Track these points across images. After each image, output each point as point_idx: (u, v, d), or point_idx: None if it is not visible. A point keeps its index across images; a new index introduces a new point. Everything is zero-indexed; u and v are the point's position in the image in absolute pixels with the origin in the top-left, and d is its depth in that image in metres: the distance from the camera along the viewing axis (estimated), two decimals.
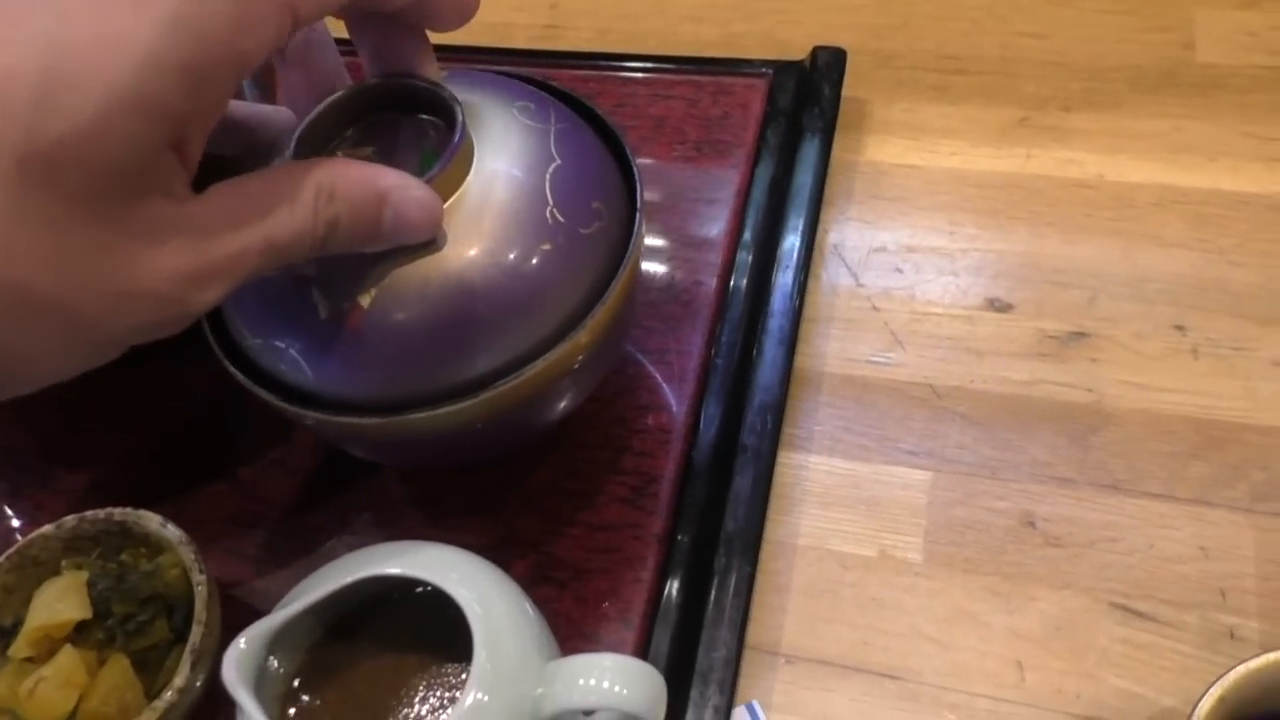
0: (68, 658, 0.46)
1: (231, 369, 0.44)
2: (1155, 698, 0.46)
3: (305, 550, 0.53)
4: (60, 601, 0.48)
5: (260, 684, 0.40)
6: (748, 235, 0.60)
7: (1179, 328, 0.55)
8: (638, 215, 0.45)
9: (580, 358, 0.45)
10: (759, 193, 0.61)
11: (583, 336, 0.44)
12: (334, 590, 0.40)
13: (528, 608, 0.42)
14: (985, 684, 0.47)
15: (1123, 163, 0.62)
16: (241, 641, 0.38)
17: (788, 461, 0.54)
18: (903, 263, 0.60)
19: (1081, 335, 0.56)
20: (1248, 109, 0.63)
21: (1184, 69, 0.65)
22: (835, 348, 0.58)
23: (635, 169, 0.46)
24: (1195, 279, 0.57)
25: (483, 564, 0.43)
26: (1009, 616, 0.48)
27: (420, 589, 0.42)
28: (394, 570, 0.41)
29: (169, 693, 0.44)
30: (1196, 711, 0.39)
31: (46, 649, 0.47)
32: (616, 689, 0.38)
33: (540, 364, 0.43)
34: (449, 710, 0.40)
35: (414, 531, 0.52)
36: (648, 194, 0.61)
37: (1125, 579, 0.49)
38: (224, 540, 0.53)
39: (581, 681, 0.38)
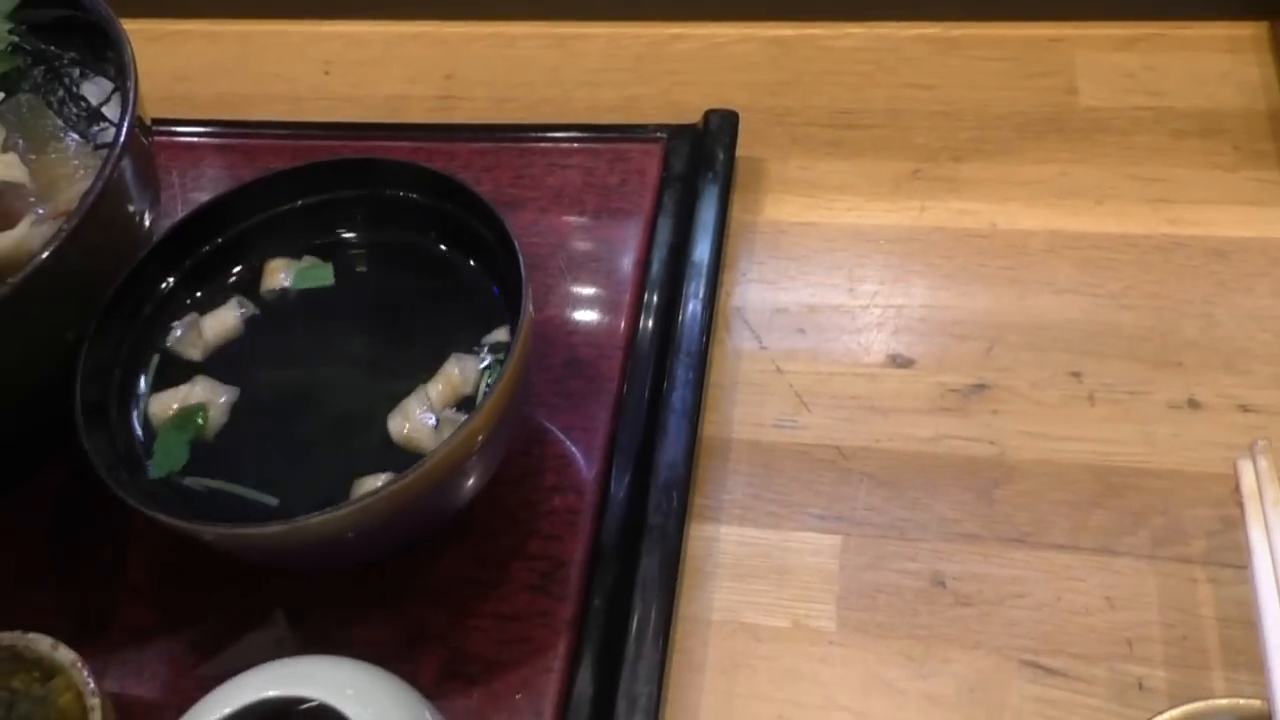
0: None
1: (124, 496, 0.43)
2: None
3: (208, 658, 0.51)
4: None
5: None
6: (648, 303, 0.60)
7: (1075, 374, 0.56)
8: (522, 290, 0.45)
9: (480, 438, 0.45)
10: (658, 260, 0.61)
11: (477, 421, 0.44)
12: (227, 715, 0.39)
13: (426, 714, 0.41)
14: None
15: (1014, 210, 0.63)
16: None
17: (699, 534, 0.54)
18: (805, 323, 0.60)
19: (982, 387, 0.56)
20: (1131, 151, 0.64)
21: (1068, 114, 0.67)
22: (741, 413, 0.58)
23: (516, 246, 0.46)
24: (1088, 324, 0.58)
25: (380, 675, 0.42)
26: (923, 681, 0.48)
27: (314, 705, 0.41)
28: (287, 692, 0.40)
29: None
30: None
31: None
32: None
33: (440, 452, 0.42)
34: None
35: (322, 631, 0.51)
36: (548, 266, 0.61)
37: (1034, 634, 0.49)
38: (123, 653, 0.52)
39: None
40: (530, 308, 0.46)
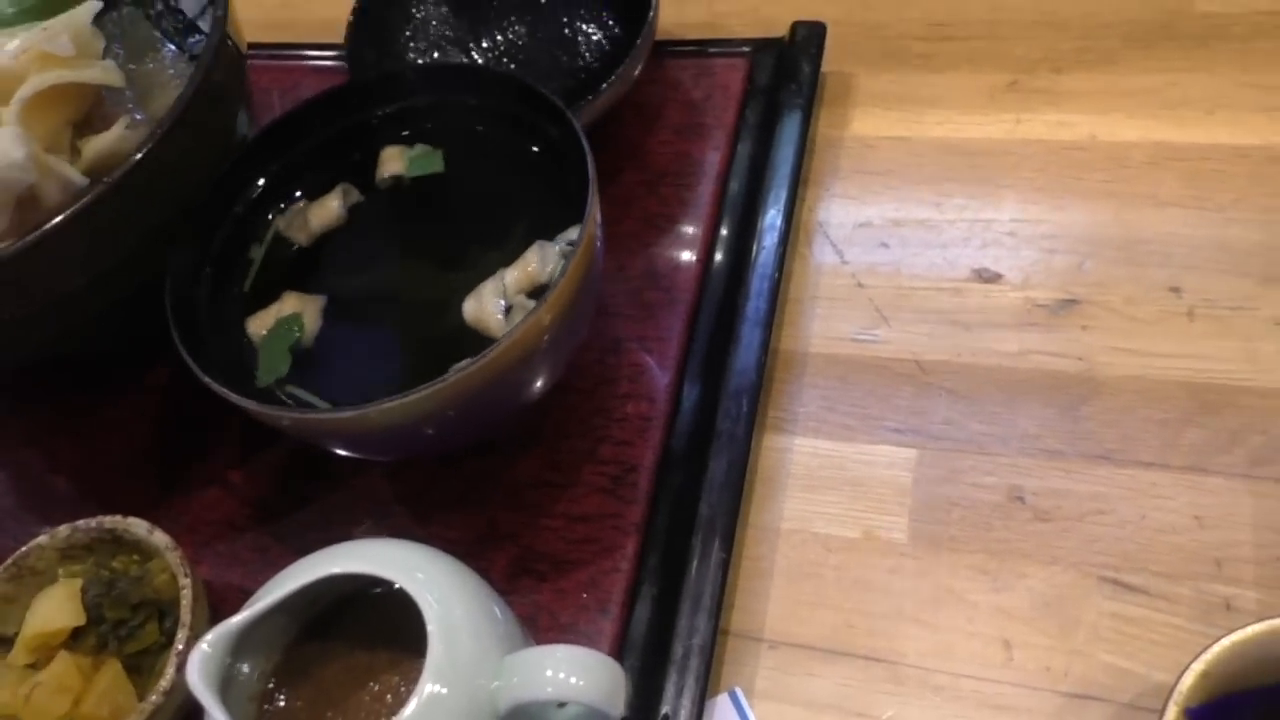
0: (62, 663, 0.48)
1: (207, 380, 0.45)
2: (1146, 673, 0.44)
3: (296, 550, 0.53)
4: (55, 609, 0.49)
5: (231, 685, 0.40)
6: (726, 217, 0.59)
7: (1174, 289, 0.53)
8: (589, 190, 0.45)
9: (545, 337, 0.45)
10: (738, 173, 0.60)
11: (544, 315, 0.44)
12: (293, 590, 0.41)
13: (494, 605, 0.42)
14: (972, 664, 0.46)
15: (1116, 121, 0.60)
16: (205, 644, 0.39)
17: (772, 445, 0.53)
18: (888, 237, 0.59)
19: (1072, 302, 0.54)
20: (1248, 57, 0.60)
21: (1181, 20, 0.63)
22: (819, 327, 0.57)
23: (585, 145, 0.46)
24: (1191, 238, 0.55)
25: (451, 563, 0.43)
26: (996, 595, 0.47)
27: (385, 588, 0.42)
28: (355, 569, 0.41)
29: (155, 695, 0.45)
30: (1178, 688, 0.38)
31: (44, 655, 0.49)
32: (572, 680, 0.38)
33: (503, 344, 0.43)
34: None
35: (401, 528, 0.53)
36: (629, 179, 0.61)
37: (1116, 551, 0.47)
38: (216, 544, 0.54)
39: (537, 674, 0.38)
40: (596, 203, 0.46)
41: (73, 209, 0.47)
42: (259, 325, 0.51)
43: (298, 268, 0.53)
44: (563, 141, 0.51)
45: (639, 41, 0.59)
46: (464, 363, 0.43)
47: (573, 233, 0.49)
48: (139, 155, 0.48)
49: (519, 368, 0.45)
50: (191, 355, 0.46)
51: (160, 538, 0.49)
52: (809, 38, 0.63)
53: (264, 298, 0.52)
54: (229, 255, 0.53)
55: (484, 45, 0.66)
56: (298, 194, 0.55)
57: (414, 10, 0.67)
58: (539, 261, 0.49)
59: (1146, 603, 0.46)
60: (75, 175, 0.48)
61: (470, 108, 0.54)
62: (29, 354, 0.56)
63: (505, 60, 0.65)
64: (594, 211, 0.46)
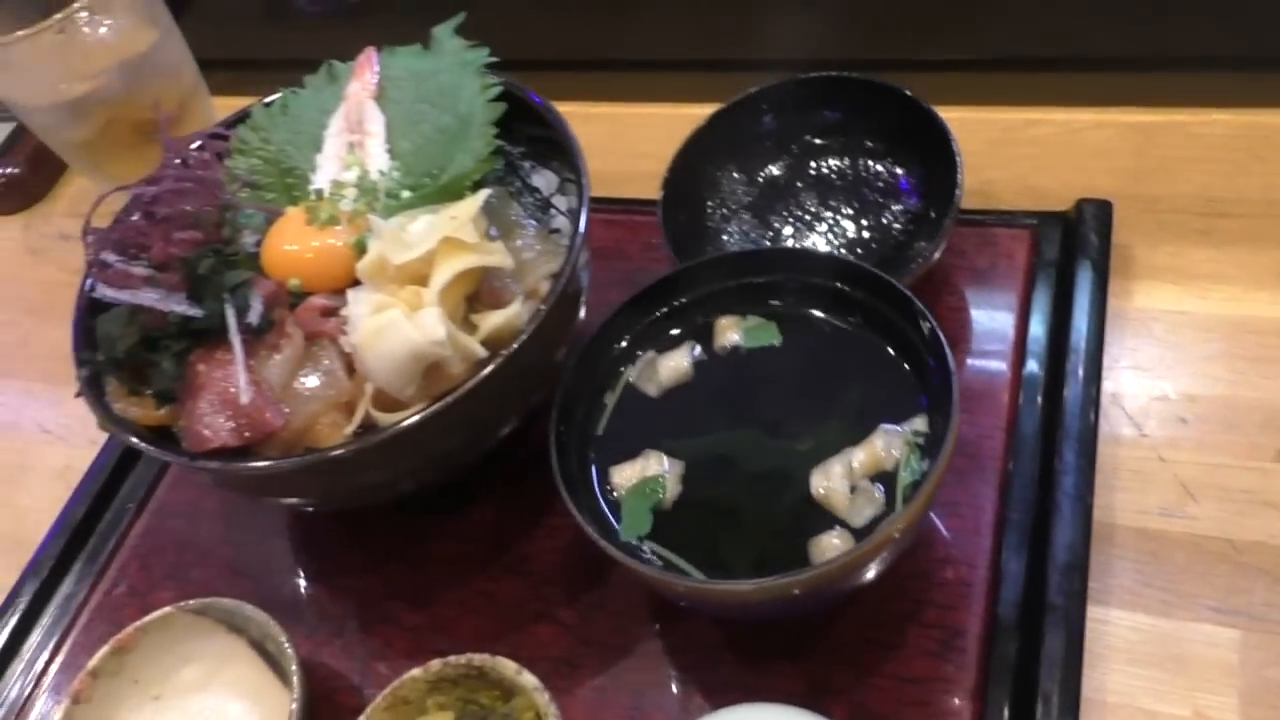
0: None
1: (588, 528, 0.50)
2: None
3: (629, 689, 0.57)
4: None
5: None
6: (1028, 387, 0.62)
7: None
8: (952, 403, 0.50)
9: (903, 534, 0.49)
10: (1035, 344, 0.64)
11: (909, 516, 0.48)
12: None
13: None
14: None
15: None
16: None
17: (1090, 615, 0.56)
18: (1186, 413, 0.61)
19: None
20: None
21: None
22: (1124, 500, 0.59)
23: (950, 363, 0.51)
24: None
25: None
26: None
27: None
28: None
29: None
30: None
31: None
32: None
33: (874, 539, 0.47)
34: None
35: (735, 676, 0.57)
36: None
37: None
38: (554, 680, 0.58)
39: None
40: (957, 410, 0.50)
41: (480, 376, 0.53)
42: (623, 478, 0.56)
43: (648, 418, 0.58)
44: (892, 320, 0.56)
45: (946, 221, 0.63)
46: (836, 556, 0.48)
47: (918, 421, 0.53)
48: (532, 328, 0.54)
49: (873, 556, 0.49)
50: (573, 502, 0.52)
51: (528, 679, 0.54)
52: (1097, 214, 0.67)
53: (616, 442, 0.57)
54: (587, 400, 0.59)
55: (782, 214, 0.71)
56: (648, 350, 0.60)
57: (718, 175, 0.73)
58: (884, 448, 0.53)
59: None
60: (478, 348, 0.54)
61: (798, 283, 0.59)
62: (387, 499, 0.62)
63: (801, 228, 0.70)
64: (956, 421, 0.49)
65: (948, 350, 0.51)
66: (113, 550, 0.70)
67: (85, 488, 0.73)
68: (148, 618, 0.60)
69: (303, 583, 0.67)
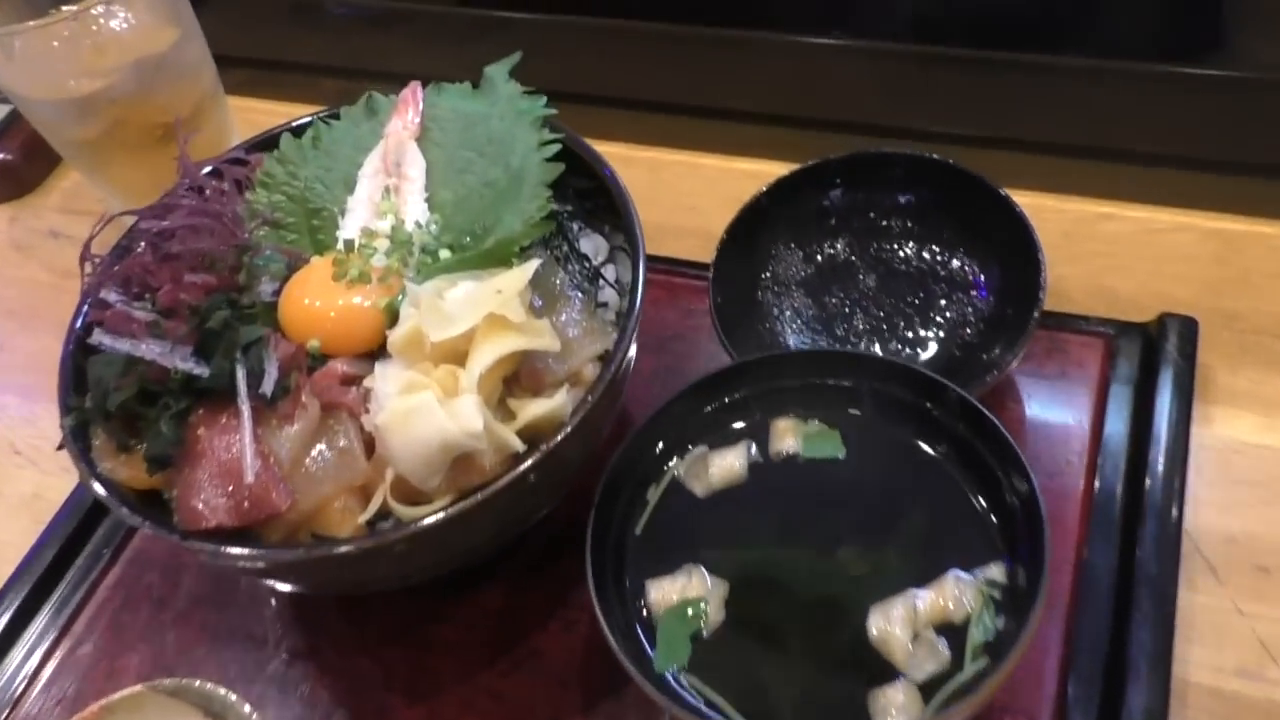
0: None
1: (618, 650, 0.46)
2: None
3: None
4: None
5: None
6: (1100, 519, 0.57)
7: None
8: (1042, 572, 0.45)
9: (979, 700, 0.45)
10: (1110, 472, 0.59)
11: (988, 689, 0.43)
12: None
13: None
14: None
15: None
16: None
17: None
18: (1268, 560, 0.57)
19: None
20: None
21: None
22: (1198, 654, 0.54)
23: (1045, 529, 0.47)
24: None
25: None
26: None
27: None
28: None
29: None
30: None
31: None
32: None
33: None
34: None
35: None
36: None
37: None
38: None
39: None
40: (1046, 581, 0.45)
41: (515, 473, 0.47)
42: (660, 594, 0.50)
43: (691, 523, 0.52)
44: (974, 450, 0.51)
45: (1028, 328, 0.58)
46: None
47: (994, 570, 0.48)
48: (576, 421, 0.49)
49: None
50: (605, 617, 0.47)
51: None
52: (1182, 333, 0.62)
53: (654, 547, 0.52)
54: (629, 493, 0.53)
55: (840, 294, 0.66)
56: (699, 444, 0.54)
57: (774, 247, 0.67)
58: (955, 597, 0.48)
59: None
60: (516, 442, 0.48)
61: (871, 391, 0.54)
62: (394, 589, 0.56)
63: (858, 314, 0.65)
64: (1046, 582, 0.44)
65: (1043, 506, 0.46)
66: (81, 602, 0.64)
67: (55, 528, 0.66)
68: (115, 696, 0.54)
69: (289, 658, 0.61)
